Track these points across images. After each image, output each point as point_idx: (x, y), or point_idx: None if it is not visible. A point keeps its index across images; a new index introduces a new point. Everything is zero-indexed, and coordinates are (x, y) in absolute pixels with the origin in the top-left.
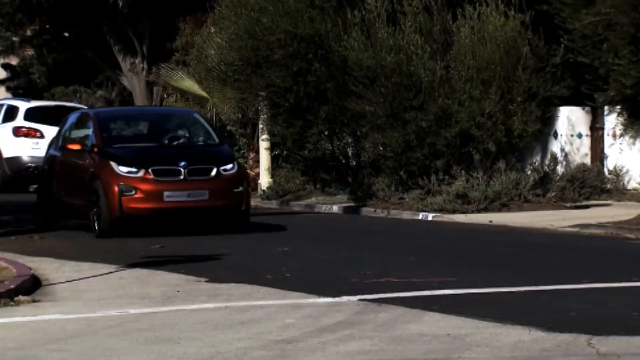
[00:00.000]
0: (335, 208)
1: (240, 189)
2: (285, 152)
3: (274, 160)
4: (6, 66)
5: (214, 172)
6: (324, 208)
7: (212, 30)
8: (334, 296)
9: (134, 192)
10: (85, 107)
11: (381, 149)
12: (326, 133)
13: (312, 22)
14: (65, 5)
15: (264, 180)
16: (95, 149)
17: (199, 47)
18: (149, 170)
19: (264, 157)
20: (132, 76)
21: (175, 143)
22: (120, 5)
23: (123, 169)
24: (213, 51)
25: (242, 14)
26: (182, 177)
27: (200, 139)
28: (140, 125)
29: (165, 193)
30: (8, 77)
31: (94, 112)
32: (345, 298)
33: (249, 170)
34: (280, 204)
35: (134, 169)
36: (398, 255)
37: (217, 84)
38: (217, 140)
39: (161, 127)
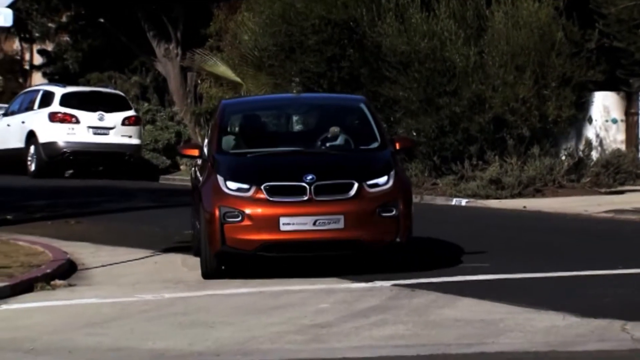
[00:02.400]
0: None
1: (394, 212)
2: None
3: None
4: (42, 52)
5: (354, 190)
6: None
7: (246, 15)
8: (367, 281)
9: (240, 218)
10: (121, 93)
11: (414, 134)
12: None
13: (346, 7)
14: None
15: None
16: (209, 157)
17: (232, 32)
18: (261, 187)
19: None
20: (167, 62)
21: (329, 144)
22: None
23: (231, 186)
24: (247, 37)
25: (276, 0)
26: (306, 196)
27: (356, 139)
28: (282, 121)
29: (282, 219)
30: (44, 63)
31: (223, 103)
32: (378, 283)
33: None
34: None
35: (244, 186)
36: (430, 240)
37: (251, 70)
38: (379, 140)
39: (311, 123)
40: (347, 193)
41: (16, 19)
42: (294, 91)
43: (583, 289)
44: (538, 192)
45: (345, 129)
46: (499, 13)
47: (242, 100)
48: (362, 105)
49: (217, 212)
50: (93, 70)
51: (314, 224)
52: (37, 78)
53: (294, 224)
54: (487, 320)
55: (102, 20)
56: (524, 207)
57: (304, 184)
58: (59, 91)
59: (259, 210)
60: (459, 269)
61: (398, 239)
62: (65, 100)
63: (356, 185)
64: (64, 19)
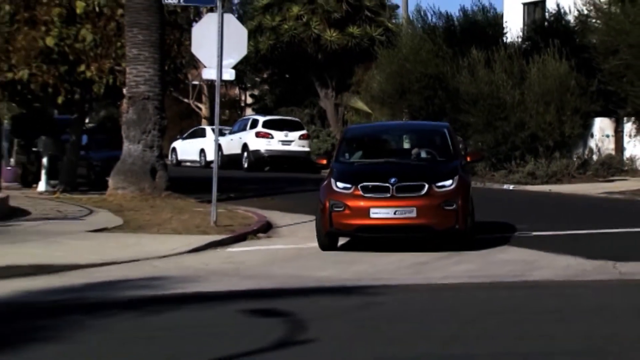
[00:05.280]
0: None
1: (454, 206)
2: None
3: None
4: (252, 95)
5: (424, 189)
6: None
7: (375, 71)
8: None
9: (343, 208)
10: (298, 119)
11: (480, 145)
12: None
13: (437, 66)
14: (287, 58)
15: None
16: (330, 164)
17: (367, 82)
18: (358, 186)
19: None
20: (326, 101)
21: (422, 156)
22: (319, 57)
23: (340, 185)
24: (375, 84)
25: (394, 62)
26: (389, 194)
27: (437, 153)
28: (384, 141)
29: (372, 210)
30: (252, 102)
31: (347, 128)
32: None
33: None
34: None
35: (347, 185)
36: (490, 211)
37: (377, 105)
38: (452, 154)
39: (408, 142)
40: (419, 192)
41: (236, 75)
42: (403, 119)
43: (589, 241)
44: (559, 181)
45: (430, 145)
46: (534, 69)
47: (360, 125)
48: (445, 130)
49: (327, 204)
50: (282, 106)
51: (394, 213)
52: (248, 111)
53: (380, 213)
54: (527, 261)
55: (287, 75)
56: (550, 190)
57: (388, 185)
58: (261, 119)
59: (356, 203)
60: (508, 229)
61: (457, 226)
62: (265, 124)
63: (427, 186)
64: (265, 75)
